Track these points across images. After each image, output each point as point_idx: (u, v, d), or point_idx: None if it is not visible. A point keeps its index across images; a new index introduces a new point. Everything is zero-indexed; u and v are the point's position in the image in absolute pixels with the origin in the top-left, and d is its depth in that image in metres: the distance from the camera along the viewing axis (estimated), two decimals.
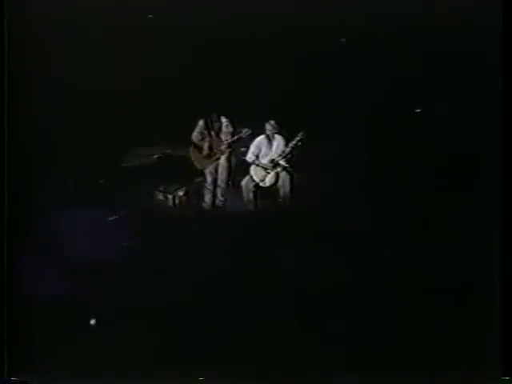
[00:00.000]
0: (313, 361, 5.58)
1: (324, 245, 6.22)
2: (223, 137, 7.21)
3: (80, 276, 6.14)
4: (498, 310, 5.37)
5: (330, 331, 5.74)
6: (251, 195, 7.08)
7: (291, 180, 6.99)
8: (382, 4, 5.93)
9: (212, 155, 7.24)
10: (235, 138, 7.22)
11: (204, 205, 7.00)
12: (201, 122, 7.13)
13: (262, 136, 7.22)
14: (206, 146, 7.23)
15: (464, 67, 5.89)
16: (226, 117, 7.13)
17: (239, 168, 7.13)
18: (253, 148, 7.19)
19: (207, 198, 7.08)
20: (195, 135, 7.23)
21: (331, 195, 6.44)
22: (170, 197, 6.93)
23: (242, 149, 7.23)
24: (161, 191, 6.96)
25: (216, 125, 7.16)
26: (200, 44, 6.05)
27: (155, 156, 6.82)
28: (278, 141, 7.10)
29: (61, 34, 5.87)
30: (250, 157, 7.20)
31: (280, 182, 7.06)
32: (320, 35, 5.93)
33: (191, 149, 7.22)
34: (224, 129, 7.16)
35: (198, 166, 7.18)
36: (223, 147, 7.22)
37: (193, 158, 7.19)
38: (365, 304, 5.73)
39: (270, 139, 7.17)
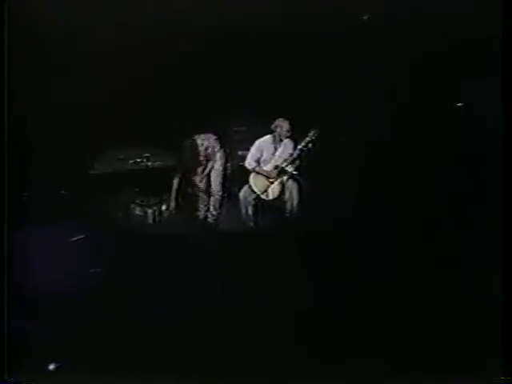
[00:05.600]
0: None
1: (342, 273, 5.95)
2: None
3: (34, 308, 5.76)
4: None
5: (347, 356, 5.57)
6: (250, 210, 6.74)
7: (300, 191, 6.69)
8: None
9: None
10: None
11: (193, 221, 6.83)
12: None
13: (267, 137, 6.77)
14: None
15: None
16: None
17: (235, 175, 6.88)
18: (253, 151, 6.78)
19: (199, 212, 6.81)
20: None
21: (350, 210, 6.24)
22: (149, 211, 6.81)
23: (240, 152, 6.89)
24: (138, 204, 6.82)
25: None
26: (193, 36, 6.32)
27: (131, 161, 6.74)
28: (286, 144, 6.72)
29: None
30: (249, 162, 6.79)
31: (286, 194, 6.71)
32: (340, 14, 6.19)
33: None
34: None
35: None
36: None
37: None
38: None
39: (275, 141, 6.74)
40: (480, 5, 5.87)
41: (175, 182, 6.71)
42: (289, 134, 6.64)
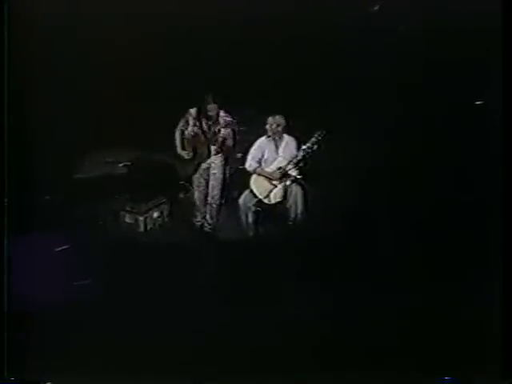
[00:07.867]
0: None
1: (349, 284, 5.91)
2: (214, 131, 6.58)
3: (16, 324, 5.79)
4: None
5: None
6: (251, 217, 6.57)
7: (305, 196, 6.53)
8: None
9: (198, 157, 6.62)
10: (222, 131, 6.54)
11: (188, 230, 6.69)
12: (192, 111, 6.56)
13: (264, 137, 6.62)
14: (192, 143, 6.62)
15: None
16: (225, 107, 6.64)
17: (235, 179, 6.70)
18: (254, 151, 6.58)
19: (195, 220, 6.65)
20: (181, 126, 6.62)
21: (358, 216, 6.14)
22: (140, 219, 6.71)
23: (239, 154, 6.66)
24: (128, 211, 6.71)
25: (210, 115, 6.56)
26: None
27: (121, 164, 6.68)
28: (288, 143, 6.52)
29: None
30: (250, 164, 6.58)
31: (290, 199, 6.53)
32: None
33: (177, 144, 6.68)
34: (220, 120, 6.52)
35: (181, 172, 6.65)
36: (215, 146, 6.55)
37: (175, 161, 6.64)
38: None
39: (275, 140, 6.55)
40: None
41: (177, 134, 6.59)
42: (279, 129, 6.45)
